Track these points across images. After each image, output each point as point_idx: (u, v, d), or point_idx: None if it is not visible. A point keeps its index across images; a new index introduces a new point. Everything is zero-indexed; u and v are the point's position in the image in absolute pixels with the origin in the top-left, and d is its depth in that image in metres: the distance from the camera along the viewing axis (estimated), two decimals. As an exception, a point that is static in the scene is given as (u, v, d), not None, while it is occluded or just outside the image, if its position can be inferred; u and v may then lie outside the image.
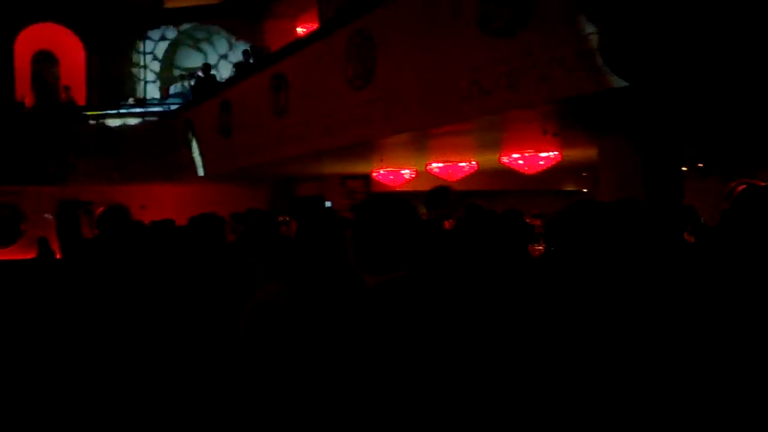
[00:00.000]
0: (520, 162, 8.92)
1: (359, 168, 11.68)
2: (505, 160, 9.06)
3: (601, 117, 6.14)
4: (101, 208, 3.98)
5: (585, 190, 14.23)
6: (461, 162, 10.12)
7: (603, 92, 4.42)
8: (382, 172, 11.55)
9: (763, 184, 12.73)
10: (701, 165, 11.04)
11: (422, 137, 7.60)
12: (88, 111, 14.44)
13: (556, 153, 8.75)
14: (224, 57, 15.72)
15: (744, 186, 12.86)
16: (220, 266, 3.61)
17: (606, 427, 1.84)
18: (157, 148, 13.60)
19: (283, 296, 2.74)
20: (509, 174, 10.01)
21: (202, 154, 12.45)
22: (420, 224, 2.10)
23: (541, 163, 8.84)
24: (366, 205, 2.11)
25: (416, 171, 11.28)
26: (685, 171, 11.31)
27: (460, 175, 10.18)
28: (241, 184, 13.68)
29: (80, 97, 15.23)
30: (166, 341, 3.11)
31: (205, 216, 4.38)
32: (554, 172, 11.07)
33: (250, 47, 13.71)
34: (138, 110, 14.45)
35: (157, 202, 12.54)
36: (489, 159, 9.50)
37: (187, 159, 13.09)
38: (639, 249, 1.83)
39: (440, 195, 6.01)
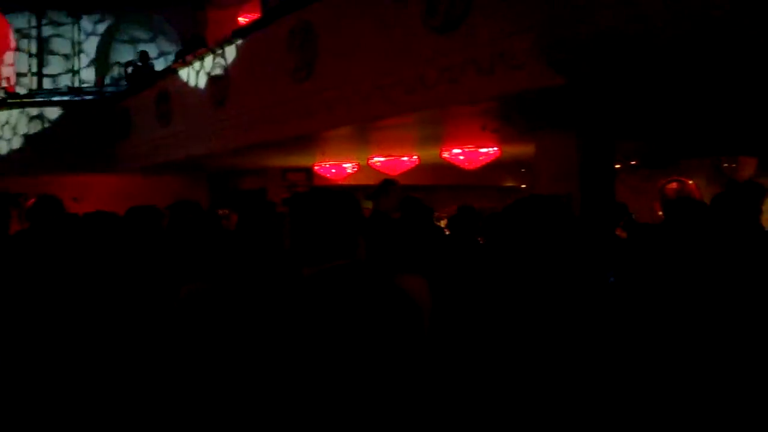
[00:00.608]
0: (461, 157, 9.04)
1: (301, 161, 11.61)
2: (445, 155, 9.17)
3: (538, 113, 6.27)
4: (32, 200, 3.84)
5: (523, 186, 14.54)
6: (403, 156, 10.18)
7: (542, 89, 4.52)
8: (324, 165, 11.52)
9: (691, 181, 13.20)
10: (634, 162, 11.43)
11: (364, 131, 7.62)
12: (17, 98, 13.87)
13: (495, 149, 8.91)
14: (163, 45, 15.35)
15: (674, 184, 13.38)
16: (156, 260, 3.54)
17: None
18: (91, 138, 13.17)
19: (200, 295, 2.71)
20: (450, 169, 10.14)
21: (140, 144, 12.14)
22: (359, 216, 2.10)
23: (480, 158, 8.98)
24: (304, 196, 2.10)
25: (358, 165, 11.29)
26: (618, 168, 11.71)
27: (401, 170, 10.24)
28: (180, 177, 13.40)
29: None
30: (97, 335, 3.03)
31: (142, 208, 4.27)
32: (494, 167, 11.27)
33: (191, 36, 13.43)
34: (70, 98, 13.96)
35: (93, 195, 12.16)
36: (430, 154, 9.59)
37: (124, 150, 12.74)
38: (574, 244, 1.88)
39: (387, 188, 6.09)
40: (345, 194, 2.08)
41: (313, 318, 1.85)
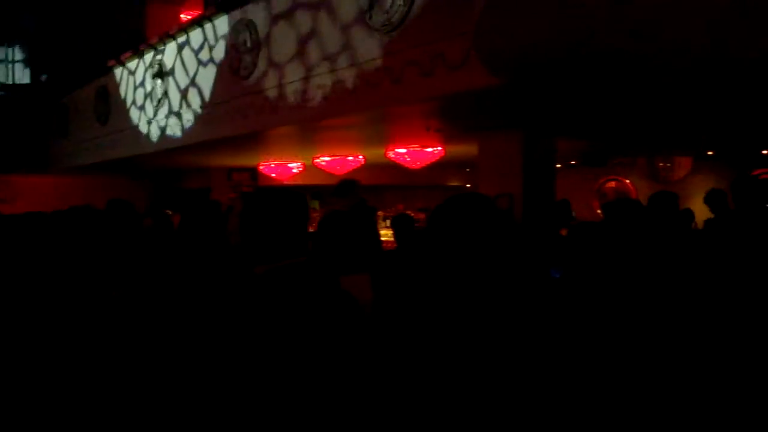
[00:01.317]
0: (406, 157, 9.09)
1: (246, 161, 11.49)
2: (391, 154, 9.21)
3: (480, 114, 6.37)
4: None
5: (468, 186, 14.74)
6: (348, 156, 10.19)
7: (480, 90, 4.59)
8: (269, 165, 11.43)
9: (628, 180, 13.59)
10: (574, 162, 11.72)
11: (308, 130, 7.58)
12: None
13: (439, 148, 9.00)
14: (103, 40, 14.92)
15: (612, 183, 13.79)
16: (87, 261, 3.45)
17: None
18: (25, 136, 12.73)
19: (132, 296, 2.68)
20: (395, 168, 10.20)
21: (77, 143, 11.80)
22: (306, 215, 2.13)
23: (425, 158, 9.05)
24: (256, 195, 2.11)
25: (303, 164, 11.25)
26: (559, 167, 11.99)
27: (347, 169, 10.25)
28: (122, 177, 13.09)
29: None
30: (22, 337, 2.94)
31: (78, 209, 4.16)
32: (439, 167, 11.39)
33: (131, 32, 13.11)
34: (3, 94, 13.45)
35: (26, 196, 11.77)
36: (375, 153, 9.62)
37: (61, 148, 12.36)
38: (502, 240, 1.92)
39: (348, 187, 6.11)
40: (295, 194, 2.11)
41: (266, 315, 1.87)
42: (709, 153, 11.07)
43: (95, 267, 3.39)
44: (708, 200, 5.92)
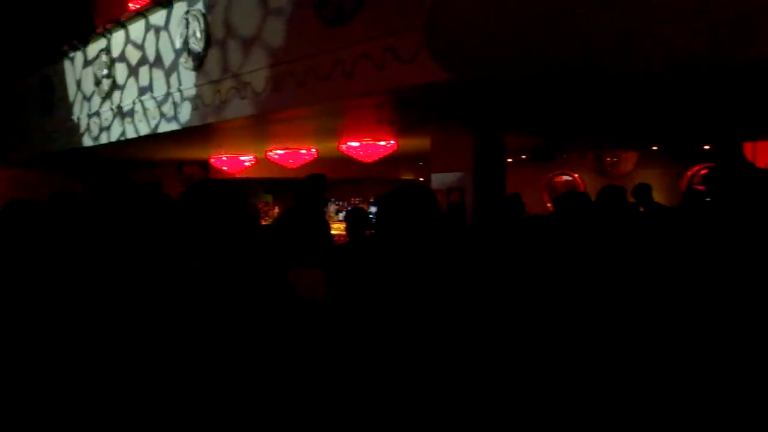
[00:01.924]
0: (359, 151, 9.11)
1: (197, 153, 11.32)
2: (343, 147, 9.21)
3: (432, 108, 6.42)
4: None
5: (422, 179, 14.84)
6: (301, 149, 10.14)
7: (430, 84, 4.63)
8: (220, 157, 11.29)
9: (577, 174, 13.85)
10: (525, 157, 11.92)
11: (260, 122, 7.52)
12: None
13: (392, 142, 9.03)
14: (50, 29, 14.47)
15: (562, 177, 14.01)
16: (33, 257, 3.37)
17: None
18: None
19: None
20: (348, 162, 10.20)
21: (21, 134, 11.44)
22: (243, 208, 2.11)
23: (378, 151, 9.08)
24: (195, 189, 2.09)
25: (256, 157, 11.15)
26: (510, 161, 12.17)
27: (299, 162, 10.21)
28: (69, 170, 12.74)
29: None
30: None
31: (20, 204, 4.04)
32: (392, 160, 11.45)
33: (79, 19, 12.74)
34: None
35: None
36: (328, 146, 9.61)
37: (5, 139, 11.96)
38: (442, 230, 1.97)
39: (317, 181, 6.11)
40: (231, 187, 2.08)
41: (206, 312, 1.85)
42: (654, 148, 11.40)
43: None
44: (635, 194, 6.16)
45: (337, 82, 5.61)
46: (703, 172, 11.34)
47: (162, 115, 7.94)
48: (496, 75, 4.64)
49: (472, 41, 3.85)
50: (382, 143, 8.98)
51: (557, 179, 13.02)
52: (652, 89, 5.56)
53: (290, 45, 6.06)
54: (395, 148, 9.17)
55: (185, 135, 8.25)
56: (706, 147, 10.67)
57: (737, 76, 5.12)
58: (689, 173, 11.51)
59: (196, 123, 7.42)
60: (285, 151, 10.10)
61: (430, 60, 4.29)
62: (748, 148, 10.49)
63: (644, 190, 6.26)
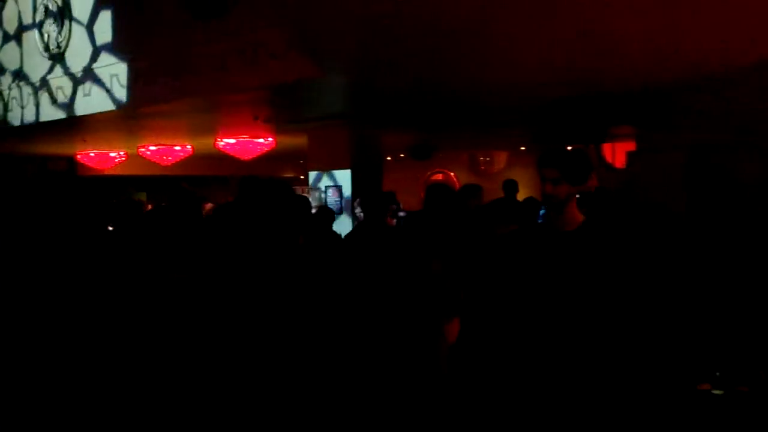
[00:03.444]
0: (236, 147, 8.95)
1: (62, 149, 10.68)
2: (220, 144, 9.02)
3: (307, 104, 6.43)
4: None
5: (302, 177, 14.79)
6: (175, 145, 9.83)
7: (302, 80, 4.65)
8: (88, 153, 10.73)
9: (453, 173, 14.27)
10: (403, 155, 12.18)
11: (129, 117, 7.21)
12: None
13: (270, 139, 8.95)
14: None
15: (439, 175, 14.41)
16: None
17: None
18: None
19: None
20: (225, 159, 9.99)
21: None
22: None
23: (256, 148, 8.97)
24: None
25: (127, 153, 10.69)
26: (389, 160, 12.39)
27: (174, 159, 9.89)
28: None
29: None
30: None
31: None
32: (271, 158, 11.32)
33: None
34: None
35: None
36: (204, 143, 9.37)
37: None
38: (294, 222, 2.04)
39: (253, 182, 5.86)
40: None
41: None
42: (522, 148, 12.00)
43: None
44: (504, 188, 6.60)
45: (210, 76, 5.49)
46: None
47: (19, 105, 7.43)
48: (365, 73, 4.73)
49: (341, 38, 3.90)
50: (260, 140, 8.87)
51: (434, 177, 13.40)
52: (508, 103, 5.89)
53: (162, 38, 5.86)
54: (274, 145, 9.09)
55: (48, 129, 7.78)
56: (569, 148, 11.37)
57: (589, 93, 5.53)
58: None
59: (55, 117, 7.01)
60: (158, 147, 9.74)
61: (301, 56, 4.30)
62: (608, 149, 11.28)
63: (511, 185, 6.68)
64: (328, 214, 5.36)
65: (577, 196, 2.52)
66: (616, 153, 11.38)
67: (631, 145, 9.37)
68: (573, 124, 8.14)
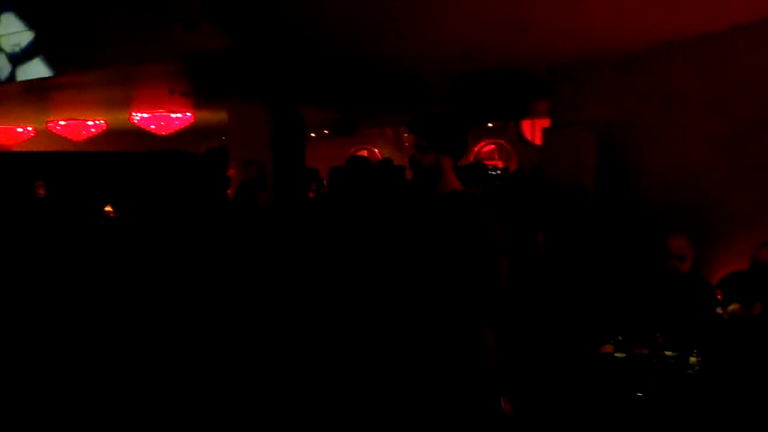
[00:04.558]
0: (152, 123, 8.67)
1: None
2: (136, 119, 8.71)
3: (224, 78, 6.29)
4: None
5: (225, 154, 14.47)
6: (88, 120, 9.43)
7: (214, 51, 4.54)
8: (-8, 128, 10.17)
9: (377, 149, 14.24)
10: (327, 132, 12.11)
11: (35, 88, 6.86)
12: None
13: (189, 114, 8.71)
14: None
15: (364, 151, 14.36)
16: None
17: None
18: None
19: None
20: (142, 135, 9.66)
21: None
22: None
23: (174, 124, 8.71)
24: None
25: (35, 128, 10.19)
26: (313, 136, 12.31)
27: (87, 135, 9.49)
28: None
29: None
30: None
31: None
32: (191, 134, 11.03)
33: None
34: None
35: None
36: (119, 118, 9.03)
37: None
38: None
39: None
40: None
41: None
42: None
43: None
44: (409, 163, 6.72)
45: (118, 47, 5.28)
46: (487, 147, 12.33)
47: None
48: (279, 46, 4.65)
49: (253, 8, 3.82)
50: (177, 115, 8.62)
51: (359, 153, 13.41)
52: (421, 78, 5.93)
53: (70, 4, 5.57)
54: (192, 120, 8.85)
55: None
56: (490, 125, 11.59)
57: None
58: (475, 148, 12.42)
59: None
60: (69, 121, 9.32)
61: (213, 26, 4.19)
62: (527, 126, 11.54)
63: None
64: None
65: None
66: (536, 130, 11.69)
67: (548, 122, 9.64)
68: (492, 101, 8.28)
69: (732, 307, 2.60)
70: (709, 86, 4.52)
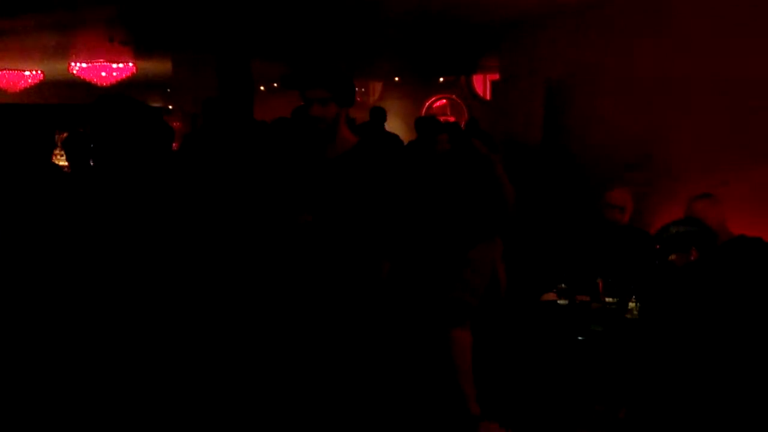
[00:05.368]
0: (91, 73, 8.34)
1: None
2: (74, 69, 8.36)
3: (166, 25, 6.06)
4: None
5: (171, 107, 14.10)
6: (24, 70, 9.02)
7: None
8: None
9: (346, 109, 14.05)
10: (276, 85, 11.87)
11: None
12: None
13: (131, 64, 8.41)
14: None
15: (314, 106, 13.88)
16: None
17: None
18: None
19: None
20: (82, 86, 9.29)
21: None
22: None
23: (114, 74, 8.40)
24: None
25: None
26: (263, 90, 12.06)
27: (23, 85, 9.09)
28: None
29: None
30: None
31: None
32: (135, 85, 10.68)
33: None
34: None
35: None
36: (57, 68, 8.65)
37: None
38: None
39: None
40: None
41: None
42: (396, 79, 12.05)
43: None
44: (371, 115, 6.65)
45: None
46: (438, 102, 12.29)
47: None
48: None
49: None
50: (118, 65, 8.31)
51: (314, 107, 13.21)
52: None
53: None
54: (134, 71, 8.55)
55: None
56: (441, 79, 11.53)
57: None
58: (427, 102, 12.37)
59: None
60: (3, 71, 8.89)
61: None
62: (479, 81, 11.53)
63: (378, 112, 6.69)
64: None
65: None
66: (487, 85, 11.70)
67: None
68: (443, 54, 8.23)
69: (672, 257, 2.70)
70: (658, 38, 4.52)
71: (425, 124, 5.13)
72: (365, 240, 2.39)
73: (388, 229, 2.40)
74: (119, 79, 8.53)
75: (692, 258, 2.71)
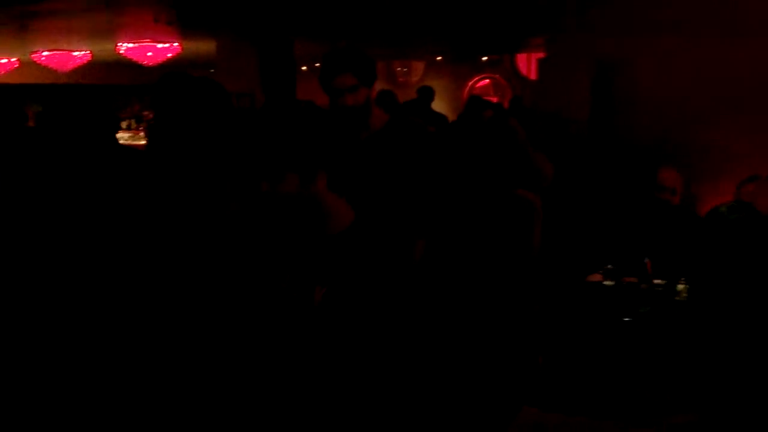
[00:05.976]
0: (139, 53, 8.47)
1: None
2: (122, 50, 8.50)
3: (210, 5, 6.10)
4: None
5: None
6: (73, 51, 9.20)
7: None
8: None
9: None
10: (318, 65, 11.89)
11: (17, 17, 6.66)
12: None
13: (176, 44, 8.51)
14: None
15: (345, 96, 13.79)
16: None
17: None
18: None
19: None
20: (129, 66, 9.45)
21: None
22: None
23: (161, 54, 8.51)
24: None
25: (19, 60, 9.96)
26: (305, 70, 12.08)
27: (72, 65, 9.28)
28: None
29: None
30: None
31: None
32: (180, 66, 10.82)
33: None
34: None
35: None
36: (105, 48, 8.81)
37: None
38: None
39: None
40: None
41: None
42: (438, 59, 11.94)
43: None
44: (419, 94, 6.57)
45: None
46: (481, 83, 12.14)
47: None
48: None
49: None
50: (165, 45, 8.41)
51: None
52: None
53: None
54: (179, 50, 8.65)
55: None
56: (484, 58, 11.39)
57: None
58: (470, 82, 12.24)
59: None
60: (53, 52, 9.09)
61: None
62: (523, 60, 11.34)
63: (426, 91, 6.65)
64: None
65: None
66: (531, 64, 11.51)
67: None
68: (487, 32, 8.10)
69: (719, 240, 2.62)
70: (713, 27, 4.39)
71: (471, 103, 5.11)
72: (399, 218, 2.37)
73: (423, 206, 2.39)
74: (165, 59, 8.64)
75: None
